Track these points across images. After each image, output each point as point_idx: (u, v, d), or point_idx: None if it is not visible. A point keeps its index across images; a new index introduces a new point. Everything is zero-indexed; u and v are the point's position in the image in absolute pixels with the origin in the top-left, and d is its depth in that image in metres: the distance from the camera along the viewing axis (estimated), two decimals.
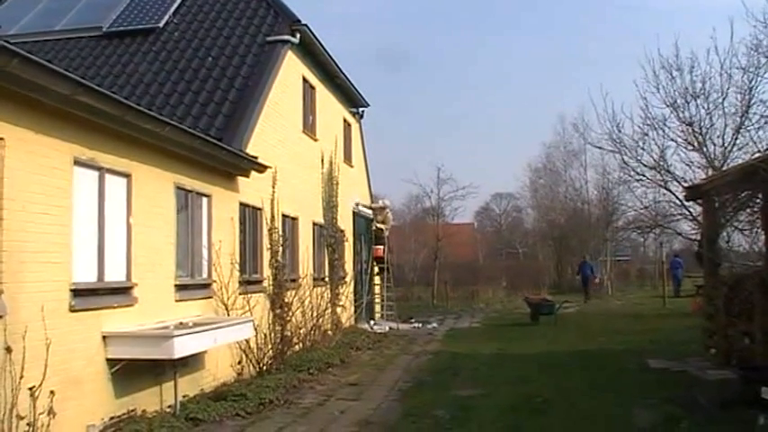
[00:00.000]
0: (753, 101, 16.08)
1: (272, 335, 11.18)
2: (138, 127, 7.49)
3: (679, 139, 17.42)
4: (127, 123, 7.27)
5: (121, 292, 7.54)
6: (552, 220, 40.97)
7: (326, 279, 15.79)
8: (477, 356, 13.46)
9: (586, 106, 45.04)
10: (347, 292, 17.23)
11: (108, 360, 7.05)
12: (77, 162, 6.75)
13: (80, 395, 6.61)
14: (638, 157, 18.10)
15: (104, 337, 7.03)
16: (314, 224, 15.14)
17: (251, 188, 11.31)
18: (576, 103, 71.79)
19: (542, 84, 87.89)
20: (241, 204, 11.07)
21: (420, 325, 20.35)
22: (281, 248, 12.25)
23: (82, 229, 6.82)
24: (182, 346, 7.35)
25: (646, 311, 23.29)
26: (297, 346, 12.35)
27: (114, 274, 7.40)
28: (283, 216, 12.80)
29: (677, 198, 17.30)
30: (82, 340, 6.71)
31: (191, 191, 9.29)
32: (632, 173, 18.71)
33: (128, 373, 7.26)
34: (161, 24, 14.21)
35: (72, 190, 6.64)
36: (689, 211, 17.13)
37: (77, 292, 6.63)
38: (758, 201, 10.74)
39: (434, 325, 20.57)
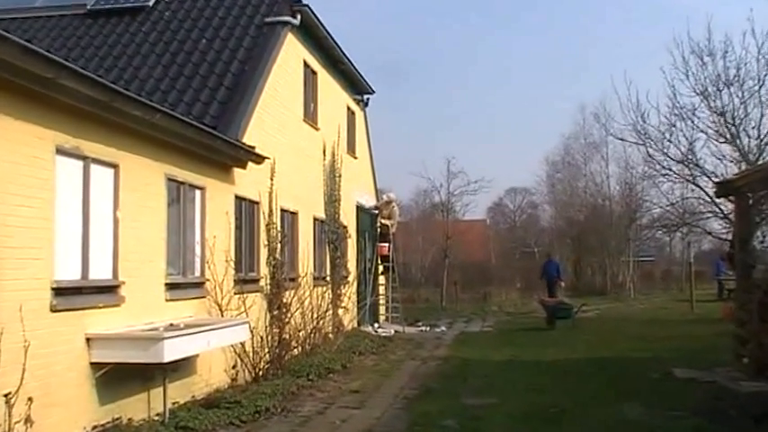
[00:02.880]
0: None
1: (270, 338, 11.20)
2: (127, 114, 7.47)
3: (710, 131, 17.40)
4: (114, 110, 7.25)
5: (107, 291, 7.52)
6: (570, 217, 40.95)
7: (328, 278, 15.79)
8: (489, 363, 13.45)
9: (608, 94, 44.85)
10: (350, 292, 17.22)
11: (92, 364, 7.04)
12: (60, 151, 6.72)
13: (61, 402, 6.59)
14: (665, 150, 18.10)
15: (88, 340, 7.02)
16: (315, 219, 15.14)
17: (247, 180, 11.29)
18: (598, 89, 71.58)
19: (560, 69, 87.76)
20: (237, 198, 11.06)
21: (428, 328, 20.37)
22: (279, 245, 12.24)
23: (65, 223, 6.80)
24: (172, 350, 7.33)
25: (671, 316, 23.22)
26: (295, 350, 12.35)
27: (100, 272, 7.38)
28: (282, 210, 12.78)
29: (707, 194, 17.27)
30: (64, 343, 6.69)
31: (183, 183, 9.27)
32: (658, 167, 18.77)
33: (113, 378, 7.24)
34: (150, 2, 14.19)
35: (54, 181, 6.61)
36: (719, 209, 17.11)
37: (59, 291, 6.61)
38: None
39: (443, 329, 20.56)
